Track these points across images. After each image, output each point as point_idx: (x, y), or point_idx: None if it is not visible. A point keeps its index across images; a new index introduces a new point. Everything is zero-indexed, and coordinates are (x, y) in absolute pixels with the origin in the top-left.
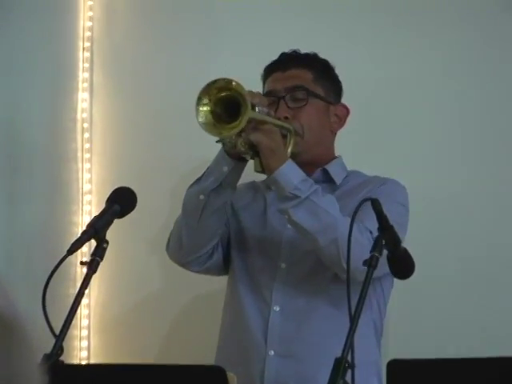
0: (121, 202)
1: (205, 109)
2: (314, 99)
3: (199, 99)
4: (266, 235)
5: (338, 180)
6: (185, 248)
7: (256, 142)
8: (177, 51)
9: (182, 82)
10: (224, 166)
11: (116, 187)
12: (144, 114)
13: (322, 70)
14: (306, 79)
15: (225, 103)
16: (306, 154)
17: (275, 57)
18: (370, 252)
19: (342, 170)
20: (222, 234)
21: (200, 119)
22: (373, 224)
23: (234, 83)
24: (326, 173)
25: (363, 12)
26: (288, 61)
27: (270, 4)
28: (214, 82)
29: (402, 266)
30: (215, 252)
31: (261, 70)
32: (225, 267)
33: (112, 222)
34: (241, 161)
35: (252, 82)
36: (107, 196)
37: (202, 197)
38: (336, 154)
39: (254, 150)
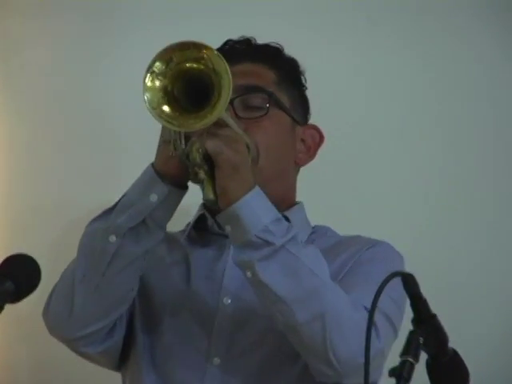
0: (16, 276)
1: (157, 84)
2: (276, 110)
3: (150, 68)
4: (188, 312)
5: (302, 235)
6: (77, 316)
7: (213, 153)
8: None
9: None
10: (152, 193)
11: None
12: (17, 133)
13: (288, 72)
14: (266, 80)
15: (185, 81)
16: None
17: None
18: (401, 356)
19: (305, 222)
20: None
21: (147, 95)
22: (368, 300)
23: (214, 52)
24: None
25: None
26: (240, 51)
27: None
28: (180, 44)
29: (449, 377)
30: (118, 326)
31: None
32: (122, 355)
33: (2, 308)
34: (179, 188)
35: None
36: None
37: (112, 238)
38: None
39: (209, 166)
